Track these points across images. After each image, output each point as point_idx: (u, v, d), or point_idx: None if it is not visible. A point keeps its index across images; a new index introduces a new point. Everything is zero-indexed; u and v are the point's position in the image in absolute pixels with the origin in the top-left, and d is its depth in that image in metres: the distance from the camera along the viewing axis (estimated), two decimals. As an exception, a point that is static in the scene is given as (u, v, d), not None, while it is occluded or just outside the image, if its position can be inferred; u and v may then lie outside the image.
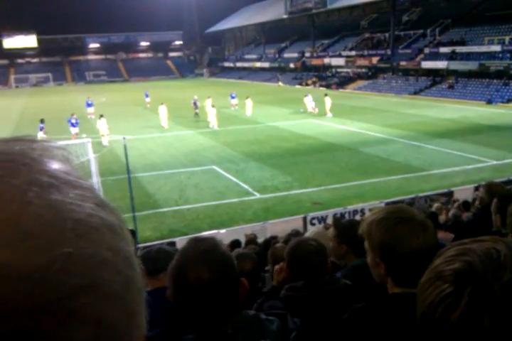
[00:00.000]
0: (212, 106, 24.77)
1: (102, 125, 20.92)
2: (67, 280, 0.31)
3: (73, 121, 22.31)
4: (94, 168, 11.80)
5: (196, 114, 27.86)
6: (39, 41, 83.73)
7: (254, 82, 62.50)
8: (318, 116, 26.88)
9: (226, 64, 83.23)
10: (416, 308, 0.77)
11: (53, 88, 68.23)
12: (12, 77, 77.63)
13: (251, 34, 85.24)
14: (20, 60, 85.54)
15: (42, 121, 21.07)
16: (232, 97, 31.26)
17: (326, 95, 27.09)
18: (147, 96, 35.49)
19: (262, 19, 72.35)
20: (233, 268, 1.46)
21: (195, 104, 28.01)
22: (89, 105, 29.84)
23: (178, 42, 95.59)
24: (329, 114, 26.50)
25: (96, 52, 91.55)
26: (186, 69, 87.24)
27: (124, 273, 0.35)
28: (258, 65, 71.30)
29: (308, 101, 28.28)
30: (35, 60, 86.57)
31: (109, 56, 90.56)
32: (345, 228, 2.65)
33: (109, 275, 0.33)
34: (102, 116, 21.42)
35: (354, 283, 2.28)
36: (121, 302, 0.34)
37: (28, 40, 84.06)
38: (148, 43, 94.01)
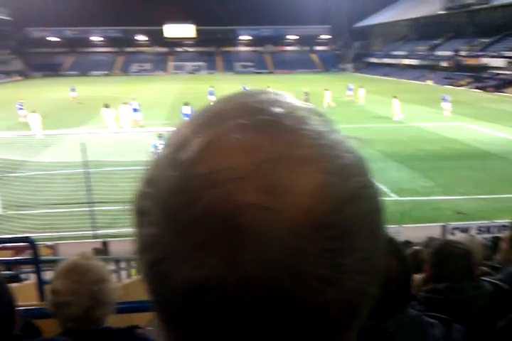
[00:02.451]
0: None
1: None
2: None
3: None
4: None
5: None
6: (196, 32, 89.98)
7: (400, 79, 59.96)
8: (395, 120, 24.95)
9: (372, 60, 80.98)
10: None
11: (205, 76, 72.86)
12: (170, 64, 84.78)
13: (401, 30, 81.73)
14: (178, 49, 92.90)
15: (186, 104, 22.36)
16: (349, 89, 35.40)
17: (394, 97, 25.67)
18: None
19: (414, 15, 68.71)
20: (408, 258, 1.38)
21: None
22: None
23: (324, 37, 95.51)
24: (401, 115, 25.33)
25: (246, 44, 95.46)
26: (330, 63, 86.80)
27: None
28: (406, 61, 68.12)
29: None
30: (191, 49, 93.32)
31: (257, 48, 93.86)
32: None
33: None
34: None
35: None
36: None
37: (186, 30, 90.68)
38: (295, 37, 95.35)
